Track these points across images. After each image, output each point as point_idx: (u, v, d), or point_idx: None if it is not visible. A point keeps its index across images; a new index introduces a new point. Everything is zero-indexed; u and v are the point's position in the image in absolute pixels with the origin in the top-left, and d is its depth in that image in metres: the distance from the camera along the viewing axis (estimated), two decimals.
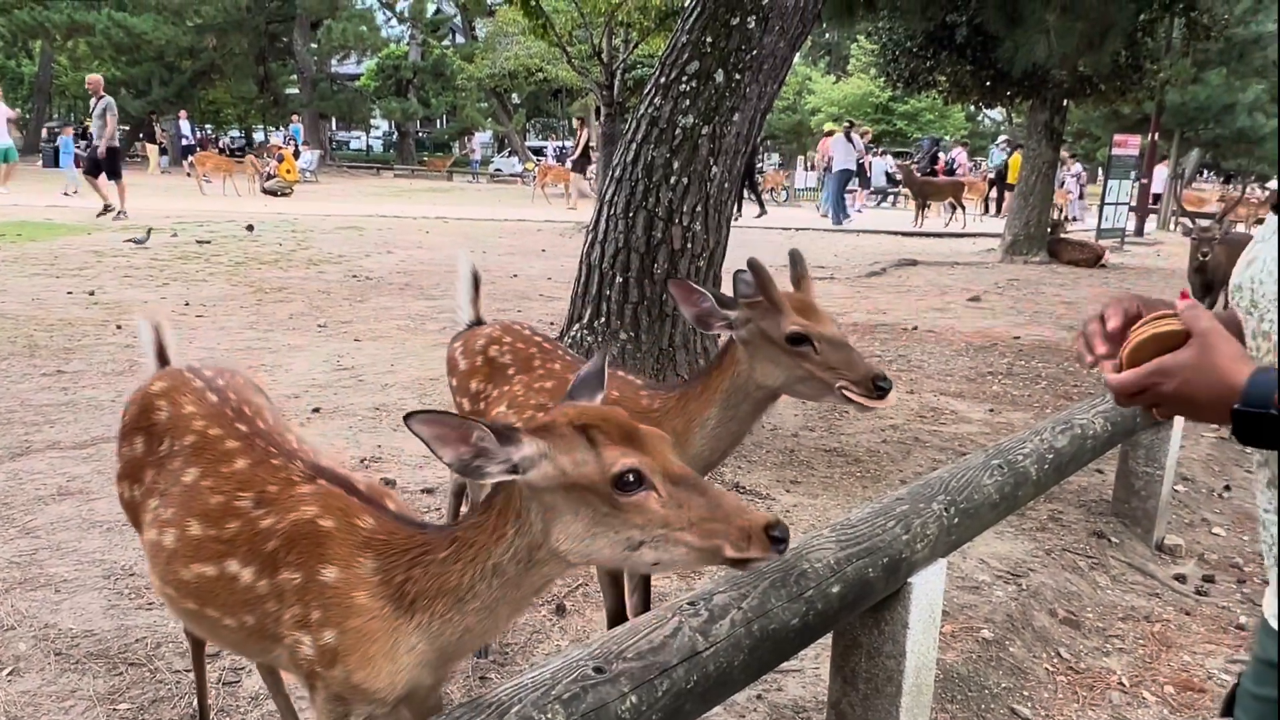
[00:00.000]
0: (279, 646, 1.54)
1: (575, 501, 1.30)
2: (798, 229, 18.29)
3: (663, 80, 4.83)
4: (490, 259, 11.79)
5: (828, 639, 2.36)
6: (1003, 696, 2.87)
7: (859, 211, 23.82)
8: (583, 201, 20.92)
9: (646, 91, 4.96)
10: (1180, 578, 3.83)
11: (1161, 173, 23.36)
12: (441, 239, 14.03)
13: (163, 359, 2.06)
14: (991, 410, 5.93)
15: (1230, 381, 0.98)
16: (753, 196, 20.17)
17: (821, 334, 2.01)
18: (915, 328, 8.57)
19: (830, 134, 21.43)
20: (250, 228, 13.57)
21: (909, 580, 2.18)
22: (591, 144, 21.26)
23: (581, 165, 21.85)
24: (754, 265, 2.08)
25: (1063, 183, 22.09)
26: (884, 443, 5.13)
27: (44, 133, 35.51)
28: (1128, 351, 1.09)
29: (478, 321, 2.93)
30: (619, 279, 4.87)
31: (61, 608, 2.97)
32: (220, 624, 1.60)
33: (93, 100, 14.47)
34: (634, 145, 4.87)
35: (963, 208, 21.71)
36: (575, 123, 23.05)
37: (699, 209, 4.80)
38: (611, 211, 4.91)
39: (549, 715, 1.41)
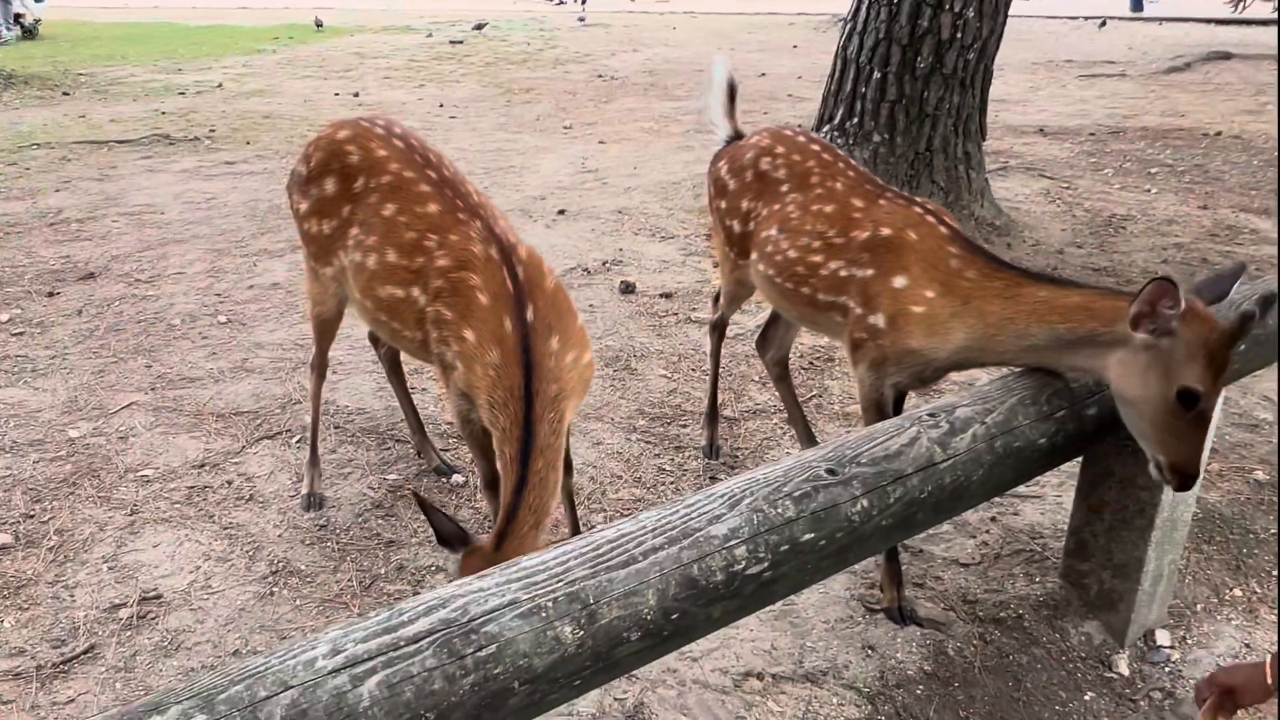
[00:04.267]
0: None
1: None
2: (1086, 18, 16.15)
3: None
4: (738, 56, 11.38)
5: (1072, 467, 2.25)
6: (1269, 543, 2.64)
7: None
8: None
9: None
10: None
11: None
12: (688, 35, 13.66)
13: None
14: None
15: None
16: None
17: (1204, 410, 1.68)
18: (1219, 133, 7.49)
19: None
20: (480, 27, 13.74)
21: None
22: None
23: None
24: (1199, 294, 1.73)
25: None
26: (1164, 263, 4.63)
27: None
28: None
29: (736, 136, 2.70)
30: (876, 74, 4.55)
31: (339, 387, 3.36)
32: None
33: None
34: None
35: None
36: None
37: None
38: None
39: (779, 510, 1.45)
